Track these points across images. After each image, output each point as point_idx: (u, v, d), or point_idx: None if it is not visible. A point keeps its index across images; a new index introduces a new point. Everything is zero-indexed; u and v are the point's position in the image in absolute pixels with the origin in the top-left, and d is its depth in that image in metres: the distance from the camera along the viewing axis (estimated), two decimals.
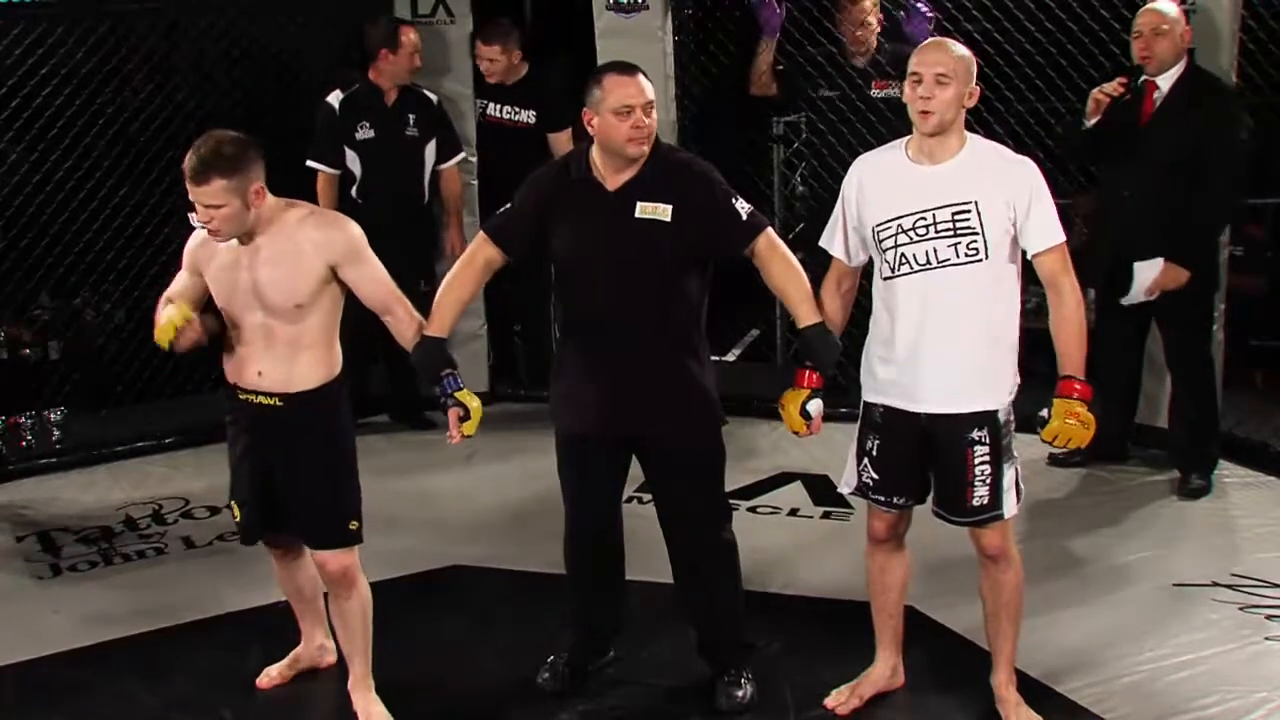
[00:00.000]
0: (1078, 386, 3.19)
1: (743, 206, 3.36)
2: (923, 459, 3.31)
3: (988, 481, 3.23)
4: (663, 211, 3.30)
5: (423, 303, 3.49)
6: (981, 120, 4.92)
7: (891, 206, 3.22)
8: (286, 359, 3.30)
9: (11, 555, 4.64)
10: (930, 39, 3.47)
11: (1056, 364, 3.26)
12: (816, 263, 3.50)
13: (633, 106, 3.26)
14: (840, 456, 3.45)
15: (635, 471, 3.50)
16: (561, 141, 5.62)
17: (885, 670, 3.54)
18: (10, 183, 5.73)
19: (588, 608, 3.64)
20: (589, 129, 3.32)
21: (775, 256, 3.37)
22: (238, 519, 3.49)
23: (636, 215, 3.31)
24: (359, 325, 3.61)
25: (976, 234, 3.16)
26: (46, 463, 5.47)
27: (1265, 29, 5.04)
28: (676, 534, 3.50)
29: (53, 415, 5.63)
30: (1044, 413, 3.22)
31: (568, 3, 6.33)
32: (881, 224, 3.23)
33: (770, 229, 3.39)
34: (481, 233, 3.49)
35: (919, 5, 5.27)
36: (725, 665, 3.55)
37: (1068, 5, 5.30)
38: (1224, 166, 4.54)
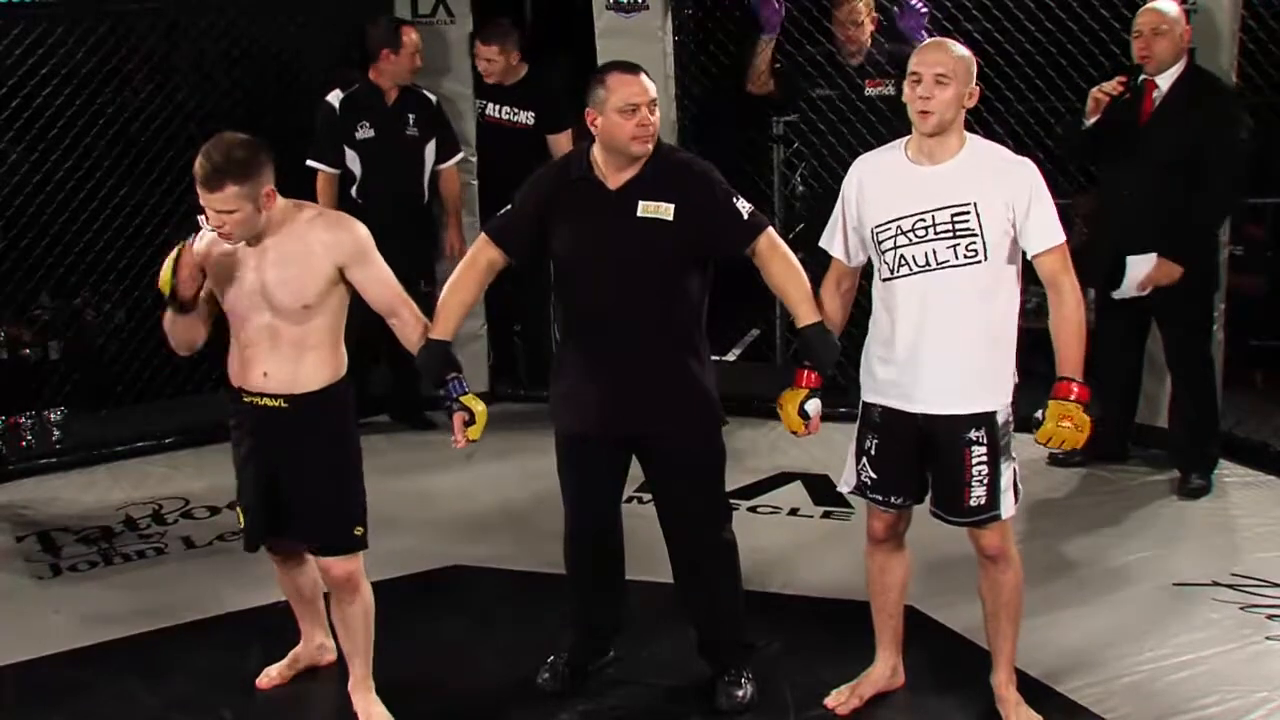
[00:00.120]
0: (1074, 388, 3.19)
1: (743, 206, 3.36)
2: (921, 459, 3.31)
3: (985, 482, 3.23)
4: (665, 211, 3.31)
5: (423, 302, 3.49)
6: (981, 120, 4.92)
7: (891, 207, 3.22)
8: (292, 360, 3.30)
9: (11, 555, 4.64)
10: (930, 39, 3.47)
11: (1055, 364, 3.26)
12: (816, 262, 3.50)
13: (637, 105, 3.26)
14: (840, 456, 3.45)
15: (635, 471, 3.50)
16: (561, 143, 5.62)
17: (885, 670, 3.54)
18: (10, 183, 5.73)
19: (588, 608, 3.64)
20: (592, 128, 3.32)
21: (776, 256, 3.37)
22: (242, 524, 3.47)
23: (639, 214, 3.31)
24: (361, 326, 3.61)
25: (976, 235, 3.15)
26: (46, 463, 5.47)
27: (1265, 29, 5.04)
28: (677, 534, 3.50)
29: (53, 415, 5.63)
30: (1039, 414, 3.22)
31: (568, 3, 6.33)
32: (880, 225, 3.23)
33: (771, 229, 3.39)
34: (482, 234, 3.49)
35: (913, 2, 5.27)
36: (725, 665, 3.55)
37: (1068, 5, 5.30)
38: (1224, 166, 4.54)
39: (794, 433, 3.43)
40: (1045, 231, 3.19)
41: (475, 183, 5.87)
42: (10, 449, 5.49)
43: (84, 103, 5.63)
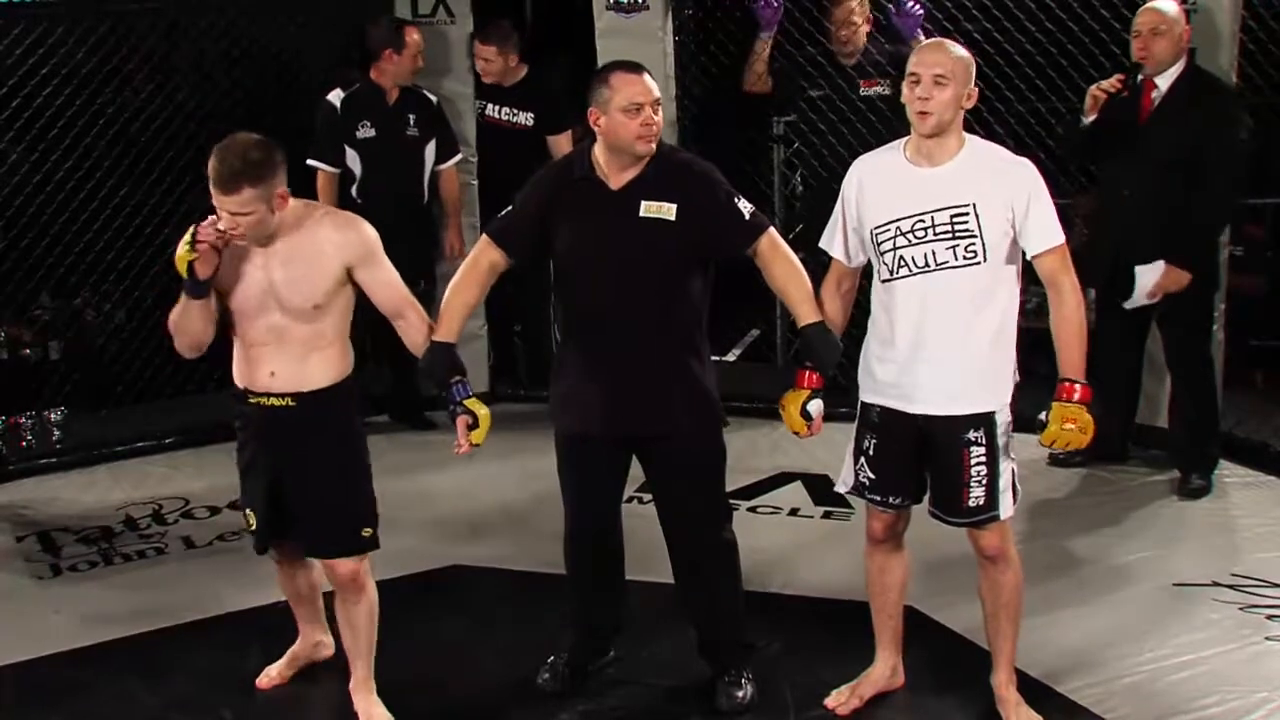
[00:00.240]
0: (1077, 390, 3.19)
1: (745, 207, 3.36)
2: (919, 459, 3.31)
3: (984, 482, 3.23)
4: (667, 211, 3.31)
5: (423, 302, 3.49)
6: (982, 120, 4.92)
7: (890, 208, 3.22)
8: (300, 359, 3.29)
9: (11, 555, 4.64)
10: (929, 40, 3.47)
11: (1056, 365, 3.26)
12: (816, 262, 3.50)
13: (641, 104, 3.26)
14: (840, 457, 3.45)
15: (635, 471, 3.50)
16: (561, 144, 5.63)
17: (885, 670, 3.54)
18: (10, 183, 5.73)
19: (588, 608, 3.64)
20: (595, 128, 3.32)
21: (777, 257, 3.37)
22: (252, 526, 3.44)
23: (641, 214, 3.31)
24: (362, 326, 3.61)
25: (975, 237, 3.15)
26: (47, 463, 5.47)
27: (1265, 29, 5.04)
28: (677, 534, 3.50)
29: (53, 415, 5.63)
30: (1042, 416, 3.22)
31: (568, 3, 6.33)
32: (880, 226, 3.23)
33: (773, 229, 3.39)
34: (484, 236, 3.49)
35: (908, 2, 5.27)
36: (725, 665, 3.55)
37: (1068, 5, 5.30)
38: (1223, 166, 4.54)
39: (797, 434, 3.43)
40: (1045, 232, 3.19)
41: (475, 183, 5.87)
42: (10, 449, 5.49)
43: (84, 103, 5.63)
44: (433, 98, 5.66)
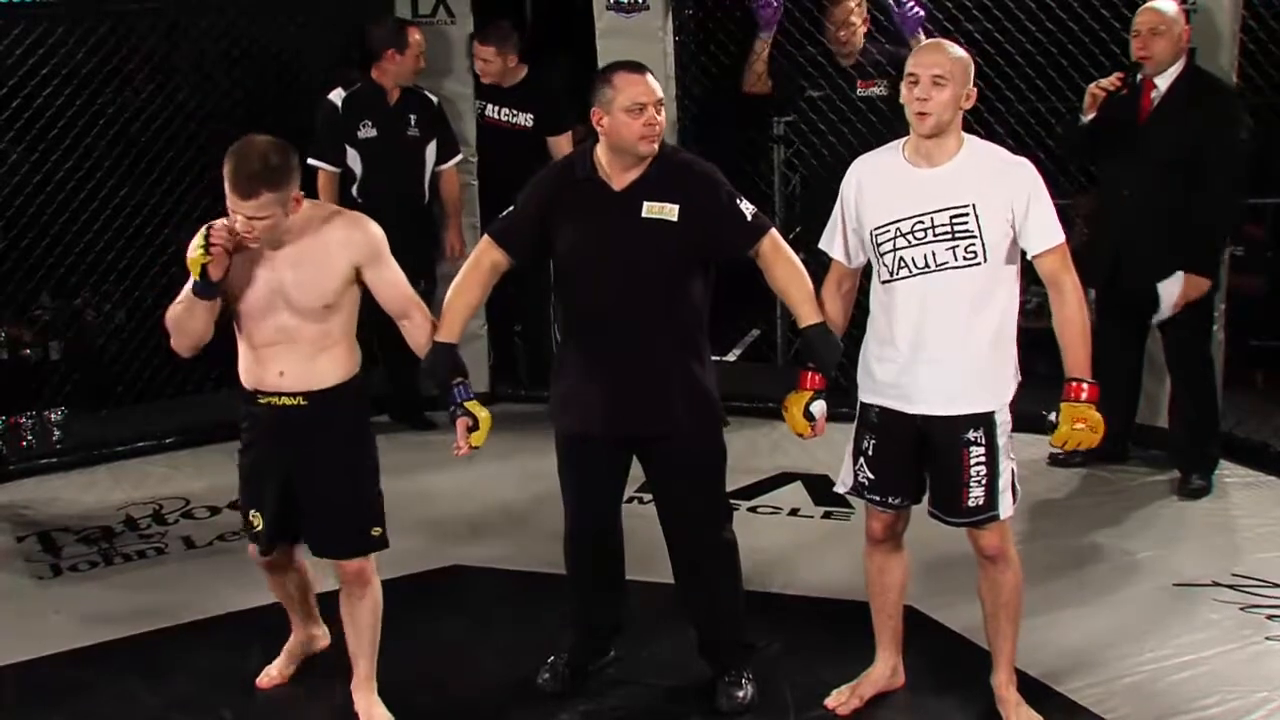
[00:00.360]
0: (1084, 389, 3.18)
1: (747, 208, 3.36)
2: (919, 459, 3.31)
3: (983, 482, 3.23)
4: (669, 211, 3.31)
5: (423, 301, 3.49)
6: (982, 120, 4.92)
7: (890, 209, 3.22)
8: (309, 358, 3.28)
9: (12, 555, 4.64)
10: (928, 40, 3.47)
11: (1056, 364, 3.26)
12: (817, 263, 3.50)
13: (645, 104, 3.26)
14: (840, 457, 3.45)
15: (635, 471, 3.50)
16: (560, 145, 5.63)
17: (885, 670, 3.54)
18: (11, 183, 5.73)
19: (588, 608, 3.64)
20: (598, 128, 3.32)
21: (779, 258, 3.37)
22: (258, 528, 3.42)
23: (643, 215, 3.31)
24: (369, 327, 3.61)
25: (975, 237, 3.15)
26: (47, 463, 5.47)
27: (1265, 29, 5.04)
28: (677, 534, 3.50)
29: (53, 415, 5.63)
30: (1052, 417, 3.22)
31: (568, 3, 6.33)
32: (879, 227, 3.23)
33: (774, 230, 3.39)
34: (486, 236, 3.48)
35: (906, 2, 5.27)
36: (726, 665, 3.55)
37: (1068, 5, 5.30)
38: (1224, 166, 4.54)
39: (800, 435, 3.43)
40: (1045, 231, 3.19)
41: (475, 183, 5.87)
42: (11, 449, 5.49)
43: (84, 103, 5.63)
44: (433, 98, 5.66)
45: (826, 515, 4.75)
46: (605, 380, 3.36)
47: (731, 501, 3.69)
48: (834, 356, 3.37)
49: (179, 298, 3.31)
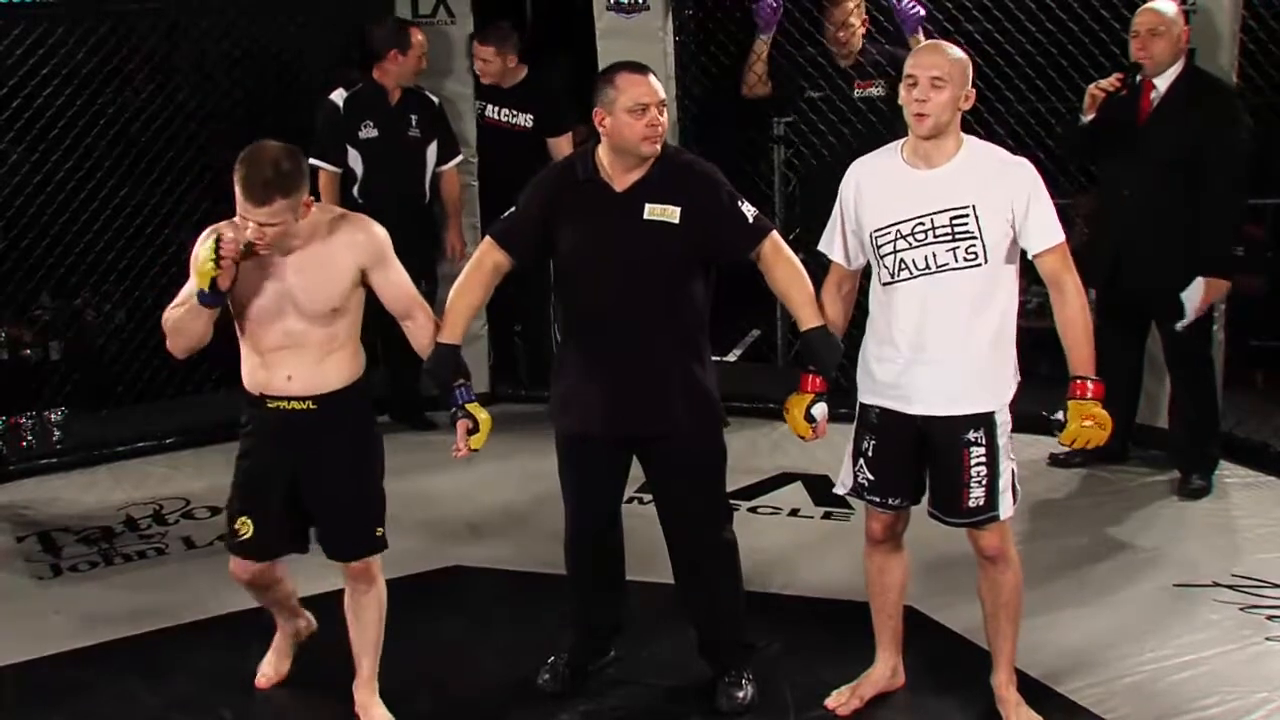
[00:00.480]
0: (1090, 386, 3.18)
1: (748, 210, 3.37)
2: (918, 460, 3.31)
3: (984, 483, 3.23)
4: (671, 214, 3.31)
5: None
6: (982, 121, 4.93)
7: (889, 211, 3.22)
8: (317, 361, 3.28)
9: (12, 555, 4.64)
10: (926, 42, 3.47)
11: (1057, 365, 3.26)
12: (816, 264, 3.50)
13: (647, 105, 3.26)
14: (840, 458, 3.45)
15: (635, 471, 3.50)
16: (560, 145, 5.64)
17: (885, 670, 3.54)
18: (11, 183, 5.73)
19: (588, 608, 3.64)
20: (600, 129, 3.32)
21: (780, 260, 3.37)
22: (245, 536, 3.39)
23: (645, 217, 3.31)
24: (374, 329, 3.61)
25: (975, 238, 3.15)
26: (47, 463, 5.47)
27: (1265, 29, 5.04)
28: (677, 534, 3.50)
29: (53, 415, 5.63)
30: (1059, 416, 3.21)
31: (568, 3, 6.33)
32: (879, 229, 3.23)
33: (775, 233, 3.39)
34: (488, 237, 3.48)
35: (905, 3, 5.27)
36: (726, 665, 3.55)
37: (1068, 5, 5.30)
38: (1224, 166, 4.54)
39: (801, 437, 3.43)
40: (1045, 231, 3.19)
41: (475, 184, 5.87)
42: (11, 449, 5.49)
43: (85, 103, 5.63)
44: (434, 99, 5.66)
45: (826, 515, 4.75)
46: (605, 380, 3.36)
47: (732, 502, 3.69)
48: (835, 359, 3.37)
49: (177, 299, 3.30)
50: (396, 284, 3.35)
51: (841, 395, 3.54)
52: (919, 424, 3.26)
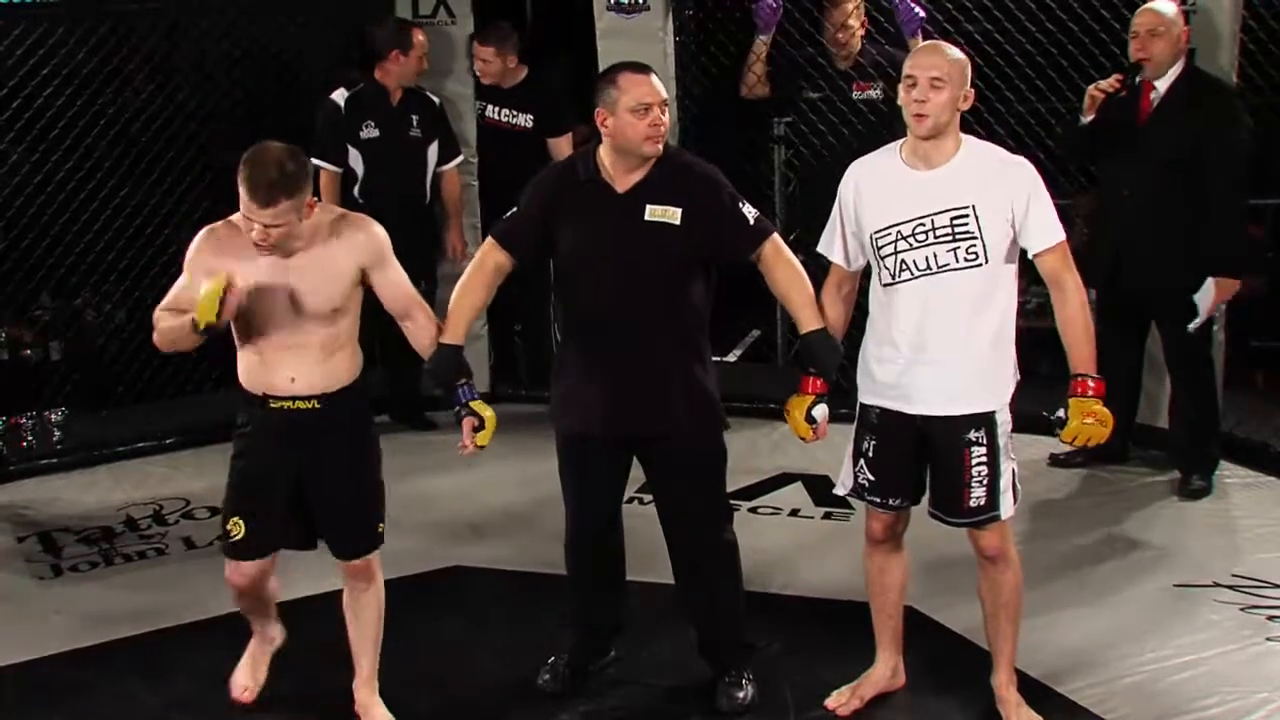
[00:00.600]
0: (1091, 384, 3.19)
1: (749, 211, 3.37)
2: (919, 460, 3.31)
3: (985, 482, 3.23)
4: (672, 215, 3.31)
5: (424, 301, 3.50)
6: (982, 121, 4.93)
7: (890, 213, 3.22)
8: (321, 361, 3.28)
9: (12, 556, 4.64)
10: (925, 43, 3.47)
11: (1057, 364, 3.26)
12: (816, 264, 3.50)
13: (650, 104, 3.26)
14: (840, 458, 3.45)
15: (635, 472, 3.50)
16: (560, 146, 5.64)
17: (886, 671, 3.54)
18: (11, 183, 5.73)
19: (588, 608, 3.64)
20: (602, 129, 3.32)
21: (780, 262, 3.37)
22: (237, 537, 3.37)
23: (646, 218, 3.31)
24: (371, 329, 3.61)
25: (975, 238, 3.15)
26: (47, 463, 5.47)
27: (1265, 29, 5.04)
28: (677, 534, 3.50)
29: (53, 415, 5.63)
30: (1060, 413, 3.21)
31: (568, 3, 6.33)
32: (880, 231, 3.23)
33: (776, 234, 3.39)
34: (489, 238, 3.49)
35: (904, 4, 5.27)
36: (726, 665, 3.55)
37: (1068, 6, 5.30)
38: (1224, 166, 4.54)
39: (802, 439, 3.43)
40: (1045, 230, 3.19)
41: (475, 184, 5.88)
42: (11, 449, 5.49)
43: (85, 103, 5.63)
44: (435, 99, 5.66)
45: (827, 516, 4.75)
46: (606, 380, 3.36)
47: (732, 502, 3.70)
48: (835, 361, 3.37)
49: (170, 299, 3.30)
50: (396, 284, 3.35)
51: (842, 396, 3.54)
52: (919, 424, 3.26)
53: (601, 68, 4.22)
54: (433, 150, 5.63)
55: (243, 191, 3.11)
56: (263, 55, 6.17)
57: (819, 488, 4.92)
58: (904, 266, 3.20)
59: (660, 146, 3.31)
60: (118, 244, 5.79)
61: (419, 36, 5.53)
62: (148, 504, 5.05)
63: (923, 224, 3.18)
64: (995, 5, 5.40)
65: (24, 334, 6.03)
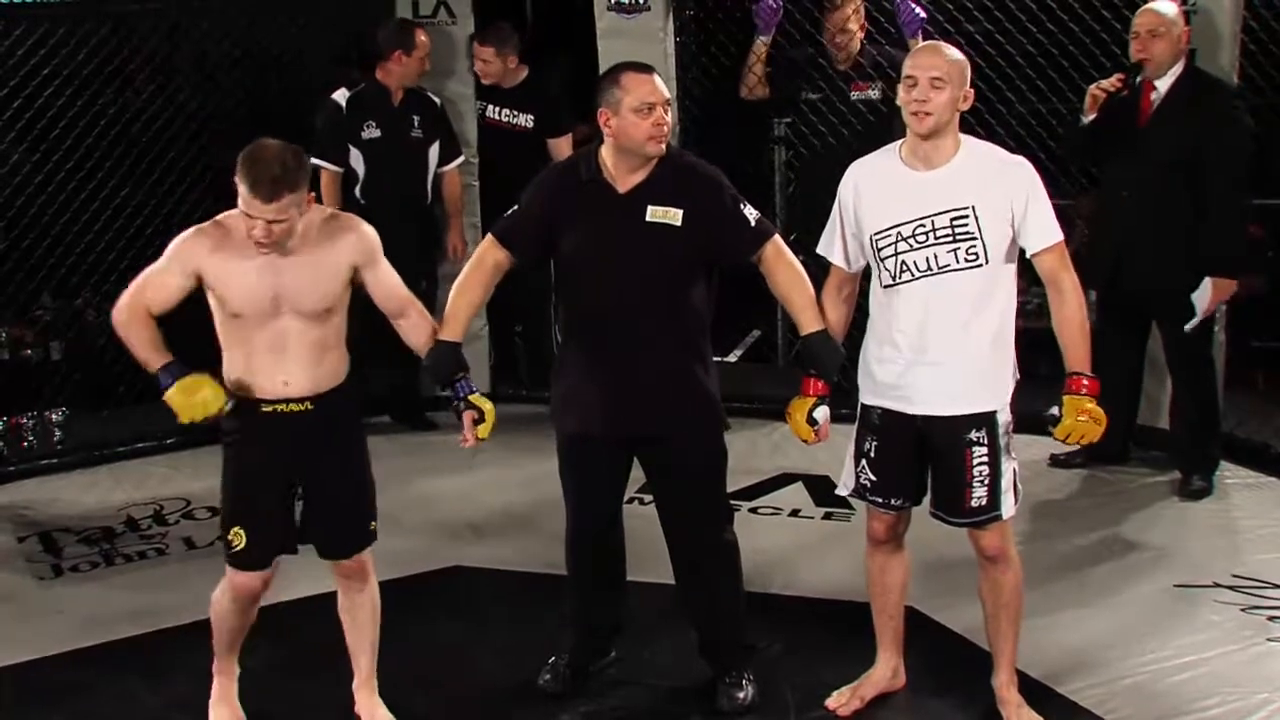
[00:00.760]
0: (1085, 383, 3.19)
1: (751, 213, 3.36)
2: (920, 460, 3.31)
3: (986, 482, 3.23)
4: (673, 216, 3.31)
5: (424, 303, 3.49)
6: (982, 121, 4.93)
7: (889, 214, 3.22)
8: (312, 362, 3.28)
9: (13, 556, 4.64)
10: (925, 43, 3.47)
11: (1056, 364, 3.26)
12: (817, 265, 3.50)
13: (653, 104, 3.26)
14: (842, 458, 3.45)
15: (635, 472, 3.50)
16: (561, 146, 5.64)
17: (886, 671, 3.54)
18: (12, 184, 5.73)
19: (588, 608, 3.64)
20: (605, 129, 3.32)
21: (782, 264, 3.37)
22: (238, 547, 3.35)
23: (647, 219, 3.31)
24: (359, 327, 3.61)
25: (975, 239, 3.15)
26: (48, 463, 5.47)
27: (1265, 29, 5.05)
28: (678, 534, 3.50)
29: (54, 416, 5.63)
30: (1054, 410, 3.22)
31: (568, 3, 6.33)
32: (880, 232, 3.23)
33: (778, 236, 3.39)
34: (489, 236, 3.49)
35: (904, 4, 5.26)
36: (726, 666, 3.55)
37: (1068, 6, 5.30)
38: (1224, 167, 4.54)
39: (804, 440, 3.43)
40: (1044, 230, 3.19)
41: (476, 184, 5.88)
42: (12, 449, 5.49)
43: (85, 104, 5.63)
44: (436, 99, 5.67)
45: (827, 516, 4.75)
46: (606, 381, 3.36)
47: (732, 502, 3.70)
48: (836, 363, 3.37)
49: (139, 283, 3.38)
50: (387, 283, 3.35)
51: (843, 396, 3.54)
52: (920, 424, 3.26)
53: (602, 68, 4.22)
54: (434, 151, 5.64)
55: (243, 188, 3.11)
56: (263, 56, 6.16)
57: (819, 488, 4.92)
58: (904, 268, 3.20)
59: (663, 146, 3.31)
60: (118, 244, 5.78)
61: (422, 37, 5.54)
62: (148, 504, 5.05)
63: (923, 225, 3.18)
64: (995, 5, 5.40)
65: (25, 334, 6.03)
